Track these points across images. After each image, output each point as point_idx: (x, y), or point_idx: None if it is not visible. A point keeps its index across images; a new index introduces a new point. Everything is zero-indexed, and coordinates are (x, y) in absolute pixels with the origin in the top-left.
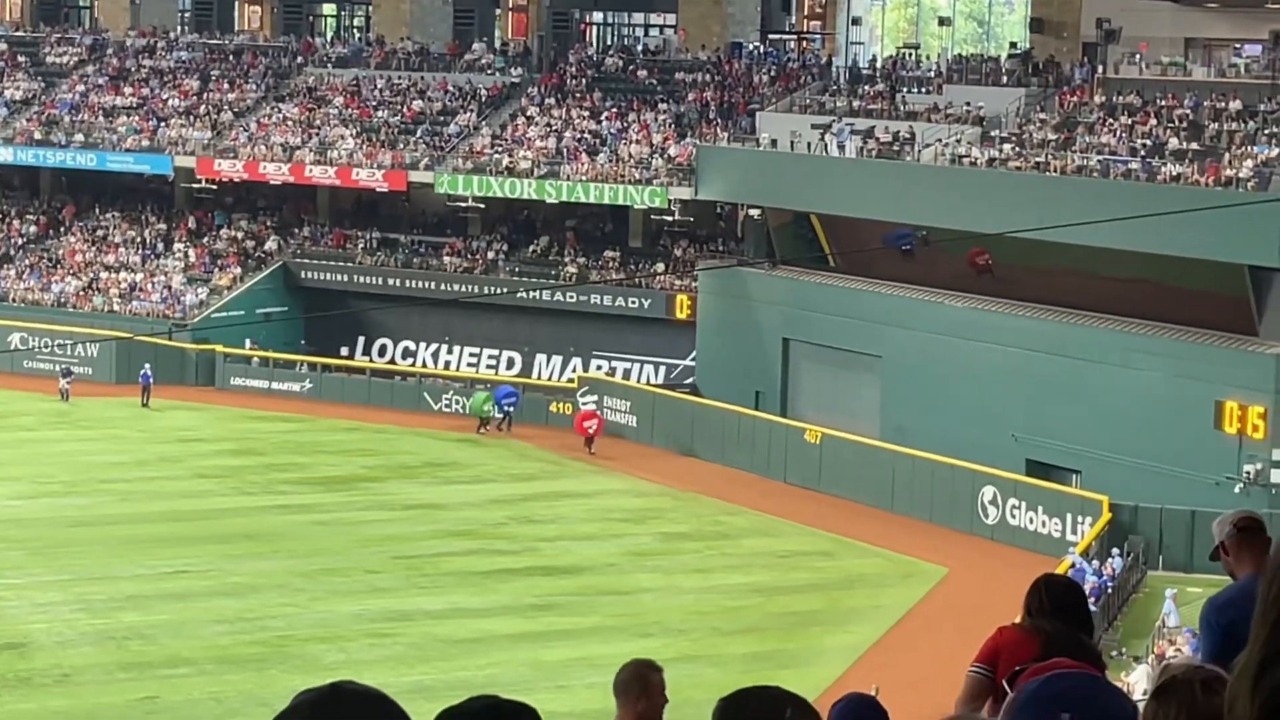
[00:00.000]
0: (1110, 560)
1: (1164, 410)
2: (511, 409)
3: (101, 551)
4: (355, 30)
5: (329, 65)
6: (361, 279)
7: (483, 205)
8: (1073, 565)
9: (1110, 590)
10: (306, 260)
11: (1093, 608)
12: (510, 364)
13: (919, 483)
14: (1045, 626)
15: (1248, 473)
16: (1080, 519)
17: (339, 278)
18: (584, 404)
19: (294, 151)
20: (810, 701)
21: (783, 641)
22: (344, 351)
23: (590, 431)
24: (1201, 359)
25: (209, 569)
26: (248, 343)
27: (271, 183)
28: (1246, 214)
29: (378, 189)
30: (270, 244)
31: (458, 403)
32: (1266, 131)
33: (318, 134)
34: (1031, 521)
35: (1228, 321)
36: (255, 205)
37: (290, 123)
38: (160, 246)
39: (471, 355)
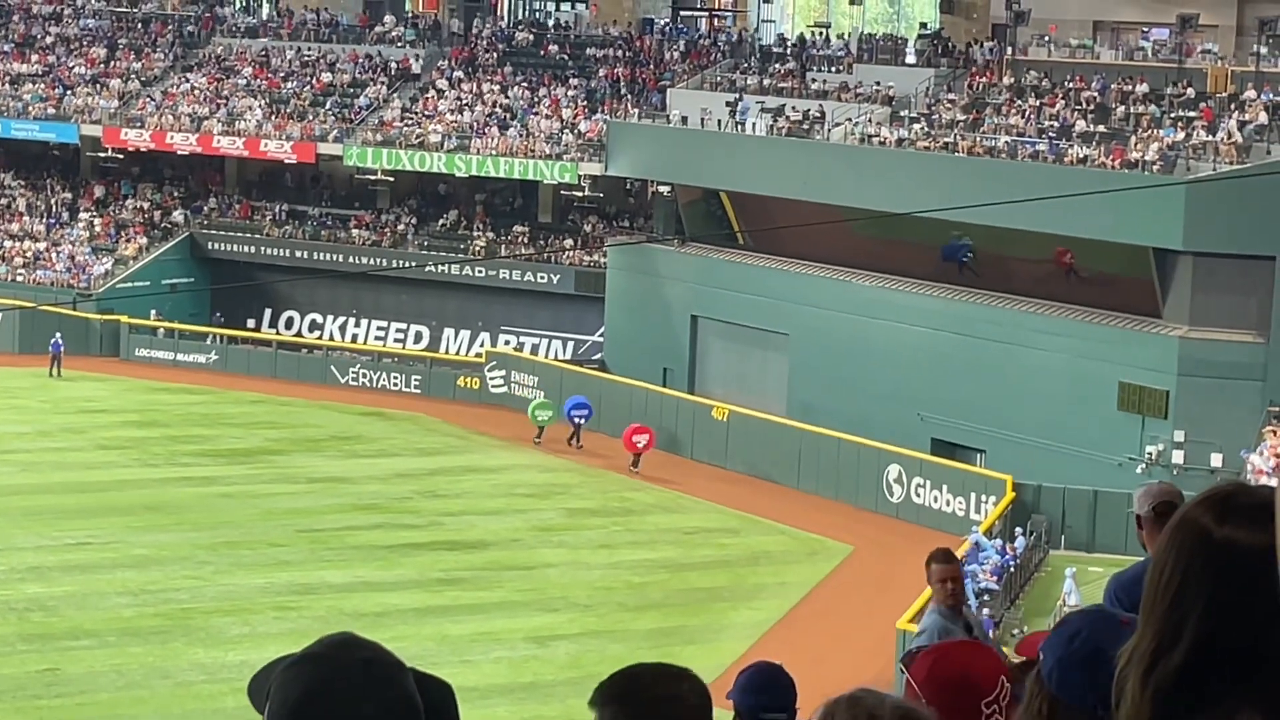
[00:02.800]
0: (1012, 540)
1: (1068, 391)
2: (583, 421)
3: (2, 522)
4: (264, 1)
5: (238, 35)
6: (269, 251)
7: (392, 178)
8: (976, 544)
9: (1013, 569)
10: (213, 231)
11: (995, 586)
12: (418, 338)
13: (825, 460)
14: None
15: (1150, 453)
16: (984, 498)
17: (246, 249)
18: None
19: (202, 122)
20: (698, 676)
21: (687, 617)
22: (250, 323)
23: (640, 448)
24: (1105, 340)
25: (112, 541)
26: (153, 314)
27: (179, 153)
28: (1151, 197)
29: (286, 161)
30: (177, 215)
31: (364, 376)
32: (1172, 115)
33: (226, 104)
34: (936, 500)
35: (1132, 303)
36: (162, 175)
37: (198, 93)
38: (65, 215)
39: (379, 329)
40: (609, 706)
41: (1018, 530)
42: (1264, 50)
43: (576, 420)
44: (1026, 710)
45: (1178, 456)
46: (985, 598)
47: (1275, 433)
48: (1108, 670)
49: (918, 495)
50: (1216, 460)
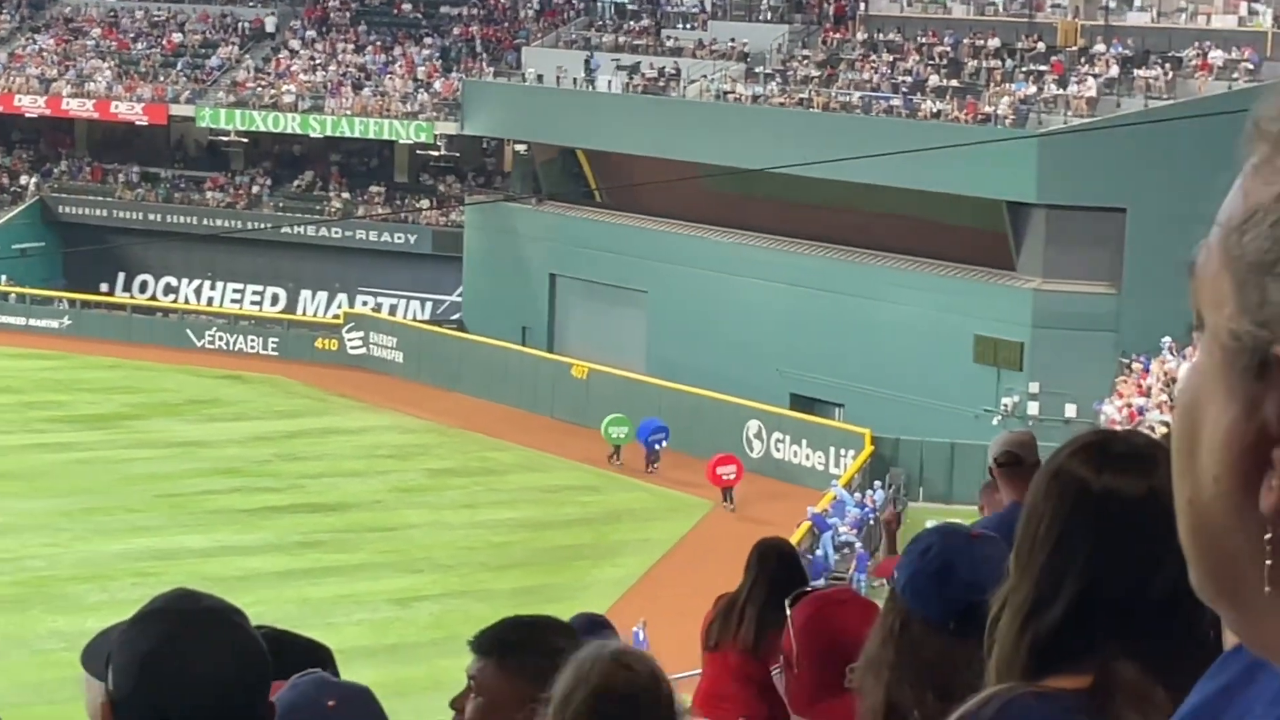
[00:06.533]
0: (872, 492)
1: (925, 344)
2: (660, 446)
3: None
4: None
5: None
6: (122, 214)
7: (245, 140)
8: (835, 497)
9: (872, 521)
10: (64, 195)
11: (854, 538)
12: (275, 300)
13: (685, 417)
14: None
15: (1005, 405)
16: (843, 452)
17: (98, 213)
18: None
19: (50, 84)
20: (569, 623)
21: (550, 576)
22: (104, 288)
23: (727, 480)
24: (961, 293)
25: None
26: (2, 279)
27: (27, 115)
28: (1004, 150)
29: (138, 123)
30: (26, 178)
31: (221, 339)
32: (1024, 69)
33: (75, 66)
34: (796, 455)
35: (987, 256)
36: (10, 139)
37: (46, 54)
38: None
39: (235, 291)
40: (485, 657)
41: (875, 483)
42: (1113, 4)
43: (655, 445)
44: (881, 626)
45: (1033, 408)
46: (845, 550)
47: (1127, 383)
48: (959, 584)
49: (777, 450)
50: (1071, 411)
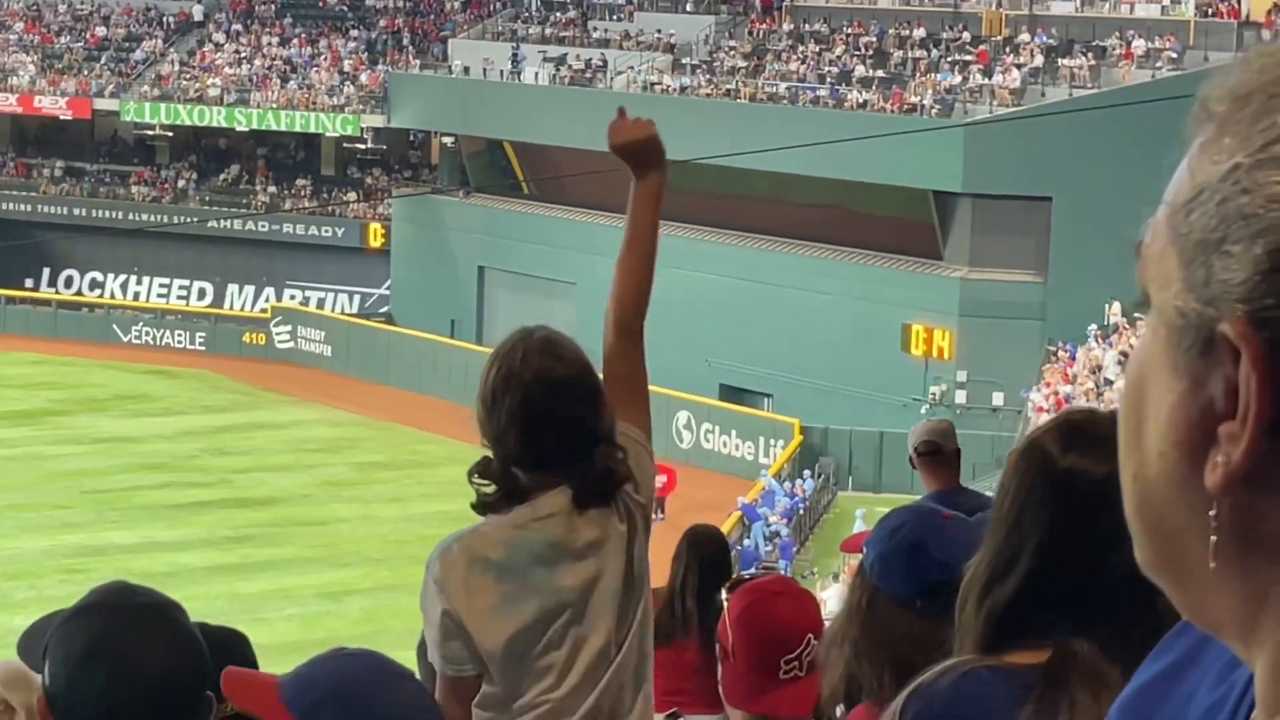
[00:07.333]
0: (801, 481)
1: (853, 334)
2: None
3: None
4: None
5: None
6: (46, 209)
7: (171, 133)
8: (765, 487)
9: (802, 511)
10: None
11: (784, 529)
12: (202, 295)
13: None
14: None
15: (933, 394)
16: (772, 442)
17: (23, 208)
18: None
19: None
20: None
21: None
22: (29, 283)
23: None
24: (889, 283)
25: None
26: None
27: None
28: (931, 140)
29: (62, 117)
30: None
31: (148, 334)
32: (949, 59)
33: None
34: (725, 445)
35: (914, 246)
36: None
37: None
38: None
39: (162, 286)
40: None
41: (805, 472)
42: None
43: None
44: (848, 603)
45: (960, 396)
46: (775, 540)
47: (1054, 371)
48: (928, 563)
49: (707, 440)
50: (998, 399)
